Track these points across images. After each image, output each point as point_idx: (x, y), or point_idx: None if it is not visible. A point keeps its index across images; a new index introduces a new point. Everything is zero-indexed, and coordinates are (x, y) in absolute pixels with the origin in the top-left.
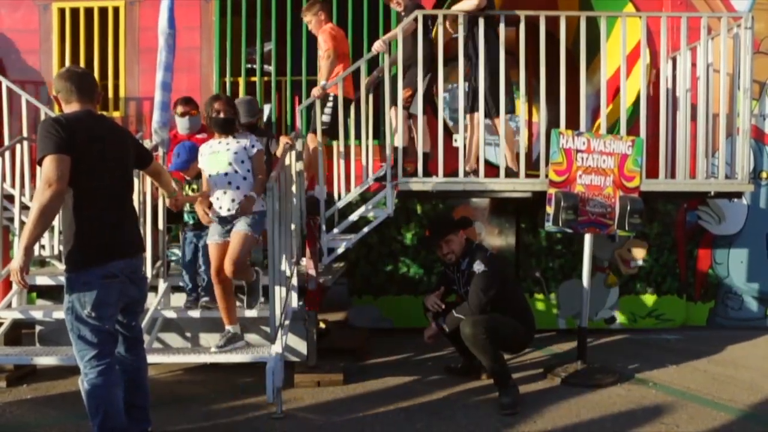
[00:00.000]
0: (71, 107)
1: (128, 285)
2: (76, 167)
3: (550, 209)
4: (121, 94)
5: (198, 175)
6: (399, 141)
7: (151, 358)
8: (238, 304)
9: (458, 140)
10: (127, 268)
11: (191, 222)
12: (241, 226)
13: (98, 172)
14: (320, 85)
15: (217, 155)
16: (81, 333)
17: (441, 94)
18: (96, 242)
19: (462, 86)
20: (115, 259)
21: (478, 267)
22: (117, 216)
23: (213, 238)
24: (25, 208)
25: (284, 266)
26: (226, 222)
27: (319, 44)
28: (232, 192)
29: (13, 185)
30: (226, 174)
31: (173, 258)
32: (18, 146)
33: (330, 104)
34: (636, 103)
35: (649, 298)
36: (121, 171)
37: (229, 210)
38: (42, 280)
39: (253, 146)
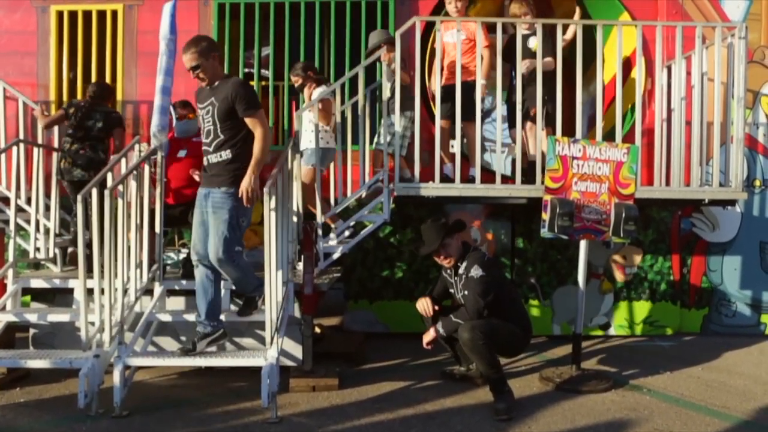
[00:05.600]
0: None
1: None
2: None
3: (545, 216)
4: (119, 97)
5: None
6: (539, 154)
7: (145, 361)
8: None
9: (455, 146)
10: None
11: None
12: (307, 160)
13: None
14: (482, 83)
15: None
16: (233, 234)
17: (438, 101)
18: None
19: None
20: None
21: (476, 272)
22: None
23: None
24: (20, 210)
25: (280, 270)
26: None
27: (470, 32)
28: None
29: (8, 188)
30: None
31: (169, 262)
32: (14, 149)
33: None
34: (631, 111)
35: (643, 305)
36: None
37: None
38: (36, 283)
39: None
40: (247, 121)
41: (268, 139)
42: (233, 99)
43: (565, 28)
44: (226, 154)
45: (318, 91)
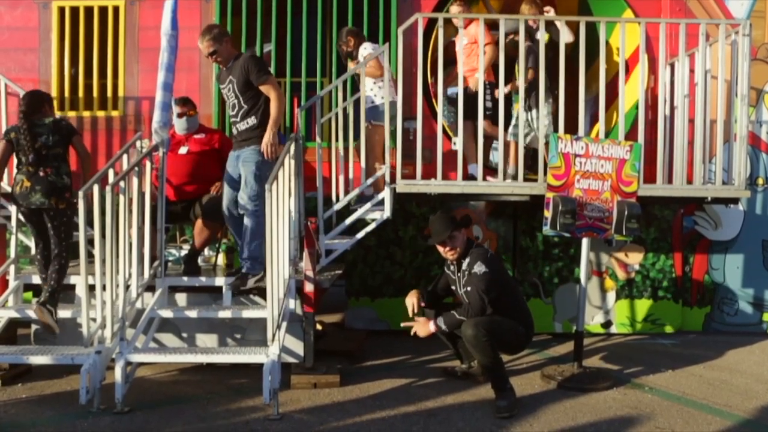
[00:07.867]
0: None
1: None
2: None
3: (548, 213)
4: (120, 93)
5: None
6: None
7: (146, 358)
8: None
9: (456, 143)
10: None
11: None
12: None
13: None
14: (476, 76)
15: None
16: (259, 184)
17: (440, 98)
18: None
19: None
20: None
21: (479, 268)
22: None
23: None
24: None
25: (282, 267)
26: None
27: (471, 35)
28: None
29: (10, 183)
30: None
31: (171, 258)
32: None
33: (489, 91)
34: (634, 109)
35: (645, 303)
36: None
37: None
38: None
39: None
40: (262, 88)
41: (283, 100)
42: (247, 71)
43: (569, 25)
44: (251, 121)
45: (364, 48)
